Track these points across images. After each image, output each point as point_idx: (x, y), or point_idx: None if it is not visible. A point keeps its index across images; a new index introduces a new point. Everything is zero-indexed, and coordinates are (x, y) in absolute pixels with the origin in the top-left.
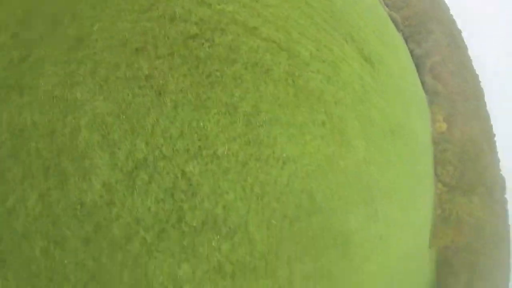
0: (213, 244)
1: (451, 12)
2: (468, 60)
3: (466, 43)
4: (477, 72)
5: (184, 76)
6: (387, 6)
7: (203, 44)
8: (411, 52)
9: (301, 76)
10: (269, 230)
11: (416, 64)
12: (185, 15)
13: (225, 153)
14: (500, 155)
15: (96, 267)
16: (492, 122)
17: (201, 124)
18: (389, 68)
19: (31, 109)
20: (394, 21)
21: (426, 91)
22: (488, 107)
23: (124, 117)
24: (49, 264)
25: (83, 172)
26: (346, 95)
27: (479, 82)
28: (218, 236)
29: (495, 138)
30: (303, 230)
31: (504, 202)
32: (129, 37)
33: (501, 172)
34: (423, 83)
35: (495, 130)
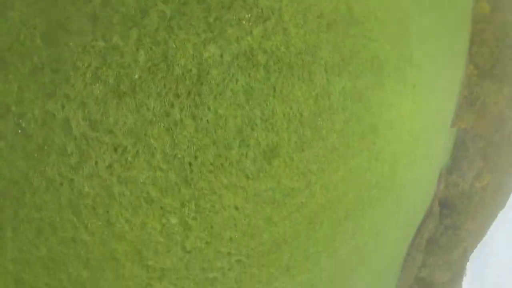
0: (243, 23)
1: None
2: None
3: None
4: None
5: None
6: None
7: None
8: None
9: None
10: (306, 25)
11: None
12: None
13: None
14: None
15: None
16: None
17: None
18: None
19: None
20: None
21: None
22: None
23: None
24: (52, 52)
25: None
26: None
27: None
28: (249, 15)
29: None
30: (340, 39)
31: None
32: None
33: None
34: None
35: None
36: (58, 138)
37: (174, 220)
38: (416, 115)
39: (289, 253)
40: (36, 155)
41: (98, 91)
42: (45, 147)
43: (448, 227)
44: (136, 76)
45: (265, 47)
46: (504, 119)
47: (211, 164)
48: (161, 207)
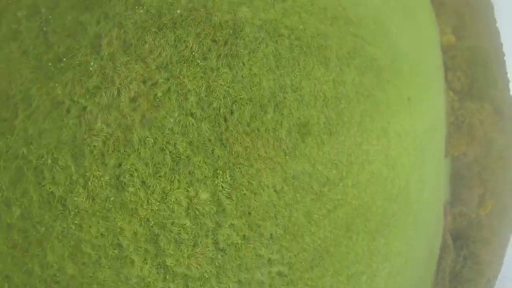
0: None
1: None
2: None
3: None
4: None
5: None
6: None
7: None
8: None
9: None
10: (314, 14)
11: None
12: None
13: None
14: None
15: None
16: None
17: None
18: None
19: None
20: None
21: (431, 1)
22: None
23: None
24: None
25: None
26: None
27: None
28: None
29: (505, 58)
30: (343, 34)
31: None
32: None
33: (510, 93)
34: None
35: None
36: (83, 53)
37: (204, 195)
38: (415, 131)
39: (332, 269)
40: (50, 65)
41: (139, 16)
42: (64, 60)
43: (467, 257)
44: (178, 12)
45: (286, 23)
46: (491, 139)
47: (248, 125)
48: (190, 172)
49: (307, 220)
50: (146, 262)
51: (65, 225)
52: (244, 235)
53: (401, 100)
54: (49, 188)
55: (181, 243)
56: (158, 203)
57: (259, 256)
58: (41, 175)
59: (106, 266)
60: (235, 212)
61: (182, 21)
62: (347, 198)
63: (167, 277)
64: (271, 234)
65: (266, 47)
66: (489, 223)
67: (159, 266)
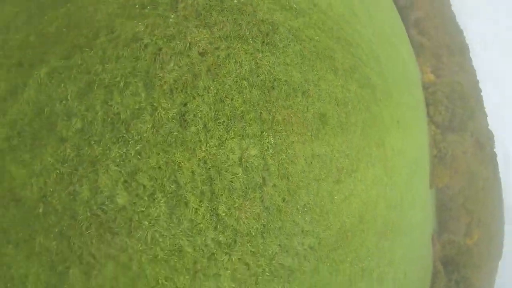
0: (293, 10)
1: None
2: (453, 15)
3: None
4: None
5: None
6: None
7: None
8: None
9: None
10: (325, 31)
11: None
12: None
13: None
14: None
15: None
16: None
17: None
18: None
19: None
20: None
21: (411, 43)
22: None
23: None
24: None
25: None
26: None
27: (464, 37)
28: (296, 7)
29: (482, 94)
30: (345, 52)
31: (493, 155)
32: None
33: (489, 127)
34: (408, 35)
35: None
36: (164, 8)
37: (254, 151)
38: (405, 152)
39: (351, 256)
40: (137, 7)
41: None
42: (148, 7)
43: (459, 281)
44: (235, 1)
45: (306, 33)
46: (473, 171)
47: (285, 100)
48: (243, 127)
49: (330, 200)
50: (201, 205)
51: (125, 150)
52: (284, 198)
53: (392, 120)
54: (117, 109)
55: (233, 192)
56: (215, 148)
57: (295, 223)
58: (110, 95)
59: (162, 201)
60: (277, 173)
61: (238, 9)
62: (358, 190)
63: (218, 226)
64: (304, 204)
65: (294, 46)
66: (477, 251)
67: (212, 212)
